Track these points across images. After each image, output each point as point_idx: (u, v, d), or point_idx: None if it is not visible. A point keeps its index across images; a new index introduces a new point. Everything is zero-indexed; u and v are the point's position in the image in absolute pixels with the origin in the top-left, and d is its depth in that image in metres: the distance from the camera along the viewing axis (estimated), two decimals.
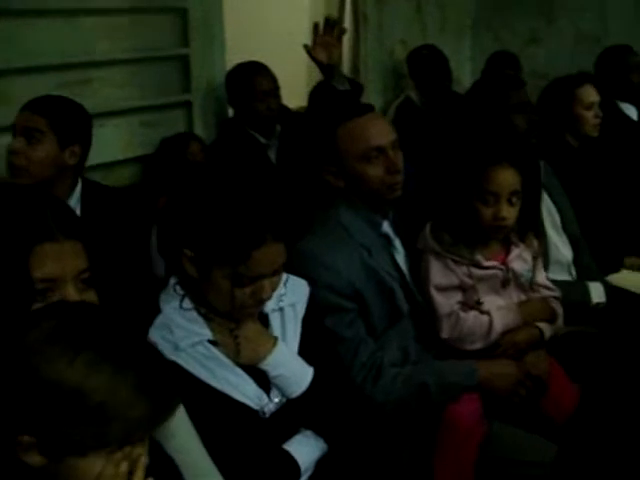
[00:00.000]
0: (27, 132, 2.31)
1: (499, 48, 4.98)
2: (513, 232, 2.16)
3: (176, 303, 1.59)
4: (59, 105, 2.38)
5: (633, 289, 3.04)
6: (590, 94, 3.17)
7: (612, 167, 3.40)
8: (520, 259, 2.16)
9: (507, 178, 2.05)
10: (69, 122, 2.37)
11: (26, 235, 1.17)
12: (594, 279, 2.72)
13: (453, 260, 2.09)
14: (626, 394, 2.01)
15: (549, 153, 2.94)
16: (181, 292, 1.60)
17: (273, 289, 1.57)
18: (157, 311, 1.59)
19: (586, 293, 2.62)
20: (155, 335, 1.54)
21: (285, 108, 3.34)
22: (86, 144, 2.47)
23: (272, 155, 3.22)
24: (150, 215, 2.98)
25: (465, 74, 5.06)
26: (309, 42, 4.15)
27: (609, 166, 3.37)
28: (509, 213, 2.06)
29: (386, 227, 2.10)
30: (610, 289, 2.71)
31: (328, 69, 2.93)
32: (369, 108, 2.08)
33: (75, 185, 2.44)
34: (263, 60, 3.29)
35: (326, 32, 2.93)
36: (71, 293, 1.20)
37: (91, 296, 1.24)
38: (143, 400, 1.03)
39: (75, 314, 1.06)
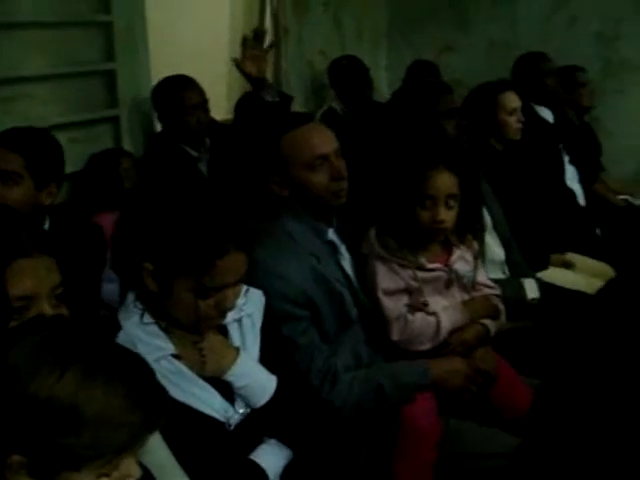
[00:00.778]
0: (2, 173, 2.22)
1: (414, 57, 5.09)
2: (453, 234, 2.21)
3: (136, 318, 1.57)
4: (35, 141, 2.30)
5: (562, 284, 3.17)
6: (512, 100, 3.29)
7: (534, 168, 3.53)
8: (462, 260, 2.22)
9: (444, 182, 2.11)
10: (46, 161, 2.29)
11: (1, 253, 1.14)
12: (526, 276, 2.81)
13: (398, 264, 2.13)
14: (574, 385, 2.08)
15: (475, 157, 3.03)
16: (140, 307, 1.58)
17: (236, 298, 1.57)
18: (117, 328, 1.56)
19: (521, 289, 2.70)
20: None
21: (214, 121, 3.34)
22: (61, 180, 2.41)
23: (203, 168, 3.21)
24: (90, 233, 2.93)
25: (382, 83, 5.14)
26: (230, 55, 4.21)
27: (531, 168, 3.50)
28: (447, 216, 2.12)
29: (331, 234, 2.12)
30: (542, 285, 2.80)
31: (257, 81, 2.96)
32: (310, 117, 2.11)
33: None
34: (184, 73, 3.28)
35: (255, 45, 2.95)
36: (47, 309, 1.18)
37: (64, 311, 1.22)
38: (137, 407, 1.03)
39: (58, 329, 1.04)
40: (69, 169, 3.02)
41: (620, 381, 1.89)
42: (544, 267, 3.24)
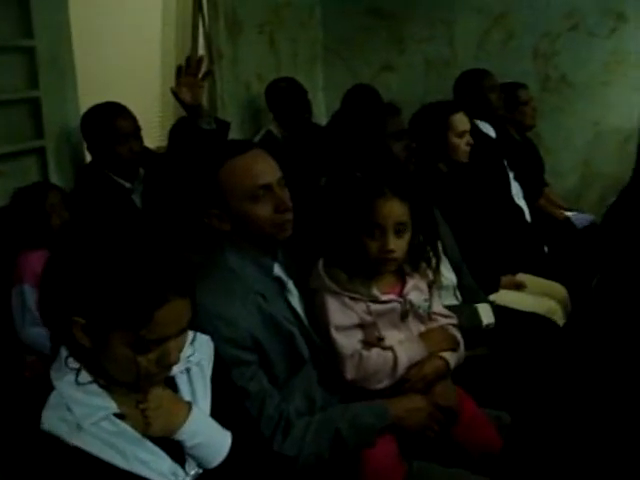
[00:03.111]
0: None
1: (351, 77, 5.02)
2: (406, 263, 2.10)
3: (71, 377, 1.38)
4: None
5: (515, 306, 3.09)
6: (463, 122, 3.22)
7: (481, 187, 3.46)
8: (416, 290, 2.11)
9: (392, 209, 1.99)
10: None
11: None
12: (479, 300, 2.72)
13: (350, 298, 2.00)
14: (550, 422, 1.99)
15: (423, 180, 2.94)
16: (75, 365, 1.40)
17: (180, 350, 1.41)
18: (47, 387, 1.38)
19: (475, 316, 2.61)
20: (51, 418, 1.34)
21: (147, 150, 3.17)
22: None
23: (137, 200, 3.02)
24: (7, 274, 2.73)
25: (319, 105, 5.05)
26: (163, 79, 4.06)
27: (479, 186, 3.42)
28: (396, 245, 2.00)
29: (277, 269, 1.98)
30: (496, 308, 2.71)
31: (194, 109, 2.82)
32: (250, 145, 1.97)
33: None
34: (115, 100, 3.10)
35: (189, 72, 2.82)
36: None
37: None
38: None
39: None
40: None
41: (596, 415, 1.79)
42: (495, 289, 3.16)
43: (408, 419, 1.95)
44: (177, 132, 3.13)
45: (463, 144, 3.23)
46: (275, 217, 1.89)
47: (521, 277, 3.45)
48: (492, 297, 2.94)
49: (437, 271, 2.19)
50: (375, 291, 2.02)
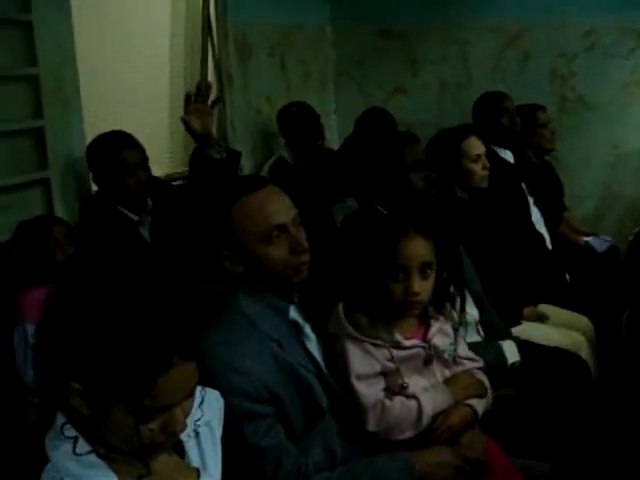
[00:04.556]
0: None
1: (364, 100, 4.93)
2: (430, 305, 1.97)
3: (68, 447, 1.25)
4: None
5: (539, 341, 2.96)
6: (475, 146, 3.11)
7: (502, 215, 3.34)
8: (441, 333, 1.98)
9: (416, 249, 1.87)
10: None
11: None
12: (503, 337, 2.59)
13: (372, 344, 1.87)
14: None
15: (440, 208, 2.83)
16: (72, 434, 1.26)
17: (187, 416, 1.28)
18: (42, 459, 1.26)
19: (501, 354, 2.48)
20: None
21: (156, 179, 3.05)
22: None
23: (145, 233, 2.91)
24: (9, 313, 2.62)
25: (331, 127, 4.94)
26: (170, 106, 3.96)
27: (499, 214, 3.31)
28: (421, 287, 1.88)
29: (293, 313, 1.85)
30: (520, 344, 2.58)
31: (203, 138, 2.72)
32: (265, 182, 1.85)
33: None
34: (121, 128, 3.00)
35: (198, 100, 2.72)
36: None
37: None
38: None
39: None
40: None
41: None
42: (518, 322, 3.04)
43: (434, 474, 1.82)
44: (193, 162, 3.04)
45: (479, 169, 3.12)
46: (291, 259, 1.77)
47: (543, 308, 3.33)
48: (514, 330, 2.82)
49: (462, 312, 2.06)
50: (398, 336, 1.89)
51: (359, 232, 2.01)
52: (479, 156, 3.12)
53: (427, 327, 1.96)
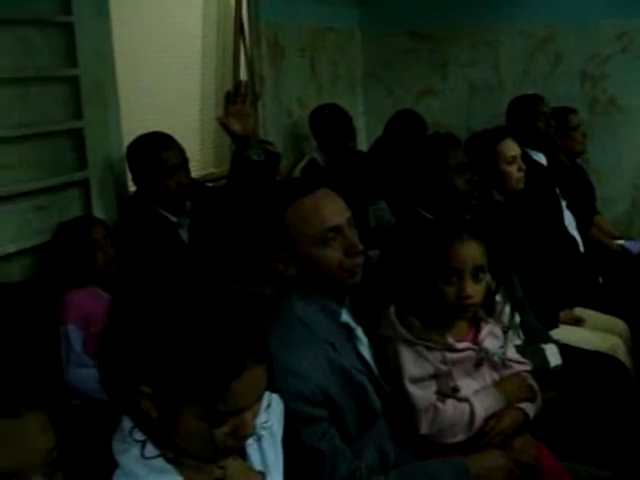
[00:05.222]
0: None
1: (393, 101, 4.92)
2: (481, 308, 1.96)
3: (136, 451, 1.24)
4: None
5: (577, 344, 2.94)
6: (511, 148, 3.10)
7: (536, 218, 3.32)
8: (491, 336, 1.98)
9: (470, 252, 1.87)
10: None
11: None
12: (543, 340, 2.58)
13: (425, 347, 1.87)
14: None
15: (477, 211, 2.81)
16: (140, 438, 1.25)
17: (256, 419, 1.28)
18: (110, 463, 1.25)
19: (543, 357, 2.47)
20: None
21: (194, 181, 3.05)
22: None
23: (184, 234, 2.90)
24: (53, 313, 2.63)
25: (359, 129, 4.92)
26: (202, 107, 3.97)
27: (533, 217, 3.29)
28: (474, 290, 1.88)
29: (345, 316, 1.85)
30: (561, 348, 2.57)
31: (243, 140, 2.70)
32: (318, 184, 1.84)
33: None
34: (155, 129, 3.00)
35: (237, 100, 2.70)
36: None
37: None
38: None
39: None
40: (35, 241, 2.74)
41: None
42: (555, 325, 3.02)
43: (488, 478, 1.81)
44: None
45: (515, 171, 3.11)
46: (345, 261, 1.76)
47: (579, 312, 3.31)
48: (552, 333, 2.80)
49: (513, 315, 2.06)
50: (450, 339, 1.89)
51: (412, 236, 1.99)
52: (515, 158, 3.11)
53: (477, 330, 1.96)
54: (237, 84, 2.78)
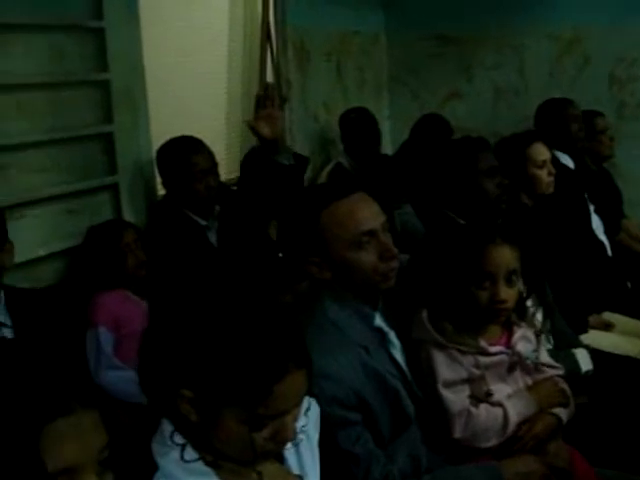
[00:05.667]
0: None
1: (418, 105, 4.91)
2: (513, 311, 1.96)
3: (176, 454, 1.25)
4: None
5: (607, 349, 2.92)
6: (541, 152, 3.09)
7: (564, 222, 3.31)
8: (524, 339, 1.97)
9: (503, 257, 1.87)
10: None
11: (34, 411, 0.84)
12: (573, 345, 2.56)
13: (458, 351, 1.87)
14: None
15: (506, 215, 2.80)
16: (180, 442, 1.26)
17: (295, 422, 1.28)
18: (150, 465, 1.26)
19: (574, 362, 2.45)
20: None
21: (223, 185, 3.06)
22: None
23: (212, 238, 2.92)
24: (82, 316, 2.65)
25: (384, 133, 4.92)
26: (228, 112, 3.97)
27: (562, 221, 3.27)
28: (507, 295, 1.87)
29: (378, 320, 1.84)
30: (592, 352, 2.56)
31: (272, 144, 2.70)
32: (353, 187, 1.84)
33: None
34: (182, 133, 3.02)
35: (267, 104, 2.70)
36: None
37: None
38: None
39: None
40: (66, 244, 2.77)
41: None
42: (584, 330, 3.00)
43: None
44: (249, 165, 3.04)
45: (545, 175, 3.10)
46: (380, 265, 1.76)
47: (607, 316, 3.28)
48: (582, 339, 2.79)
49: (546, 319, 2.05)
50: (483, 343, 1.89)
51: (445, 241, 1.99)
52: (545, 162, 3.10)
53: (510, 334, 1.96)
54: (266, 87, 2.78)
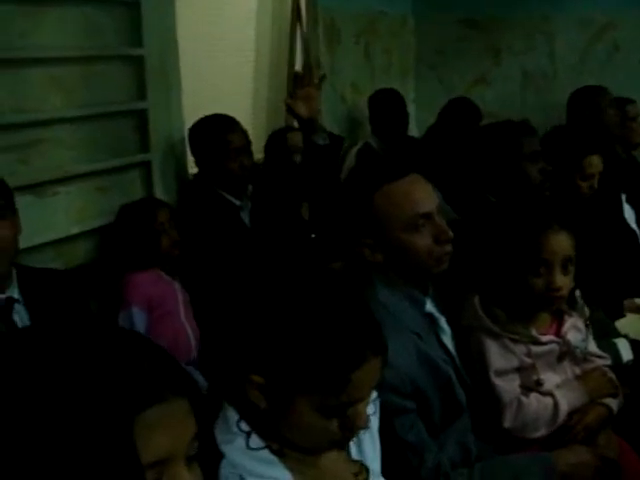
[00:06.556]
0: None
1: (444, 89, 4.85)
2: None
3: (241, 442, 1.21)
4: None
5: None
6: (594, 166, 2.96)
7: (597, 212, 3.25)
8: (574, 329, 1.95)
9: (560, 243, 1.84)
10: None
11: (126, 399, 0.80)
12: (612, 335, 2.52)
13: (511, 339, 1.83)
14: None
15: (560, 202, 2.75)
16: (246, 429, 1.22)
17: (367, 410, 1.24)
18: (215, 453, 1.22)
19: (616, 352, 2.41)
20: None
21: (256, 165, 3.02)
22: None
23: (246, 218, 2.87)
24: (114, 296, 2.60)
25: (410, 117, 4.87)
26: (254, 92, 3.92)
27: (594, 211, 3.22)
28: (562, 282, 1.84)
29: (429, 305, 1.80)
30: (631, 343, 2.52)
31: (309, 123, 2.66)
32: (408, 169, 1.80)
33: (10, 273, 2.03)
34: (217, 109, 2.97)
35: (305, 82, 2.65)
36: (185, 477, 0.83)
37: (197, 473, 0.88)
38: None
39: None
40: (97, 222, 2.72)
41: None
42: (620, 315, 2.96)
43: (575, 474, 1.76)
44: (273, 147, 2.99)
45: (586, 187, 3.02)
46: (435, 248, 1.72)
47: None
48: (619, 326, 2.75)
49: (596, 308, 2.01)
50: (534, 331, 1.85)
51: (501, 227, 1.94)
52: (593, 175, 3.03)
53: (560, 323, 1.93)
54: (304, 65, 2.73)
